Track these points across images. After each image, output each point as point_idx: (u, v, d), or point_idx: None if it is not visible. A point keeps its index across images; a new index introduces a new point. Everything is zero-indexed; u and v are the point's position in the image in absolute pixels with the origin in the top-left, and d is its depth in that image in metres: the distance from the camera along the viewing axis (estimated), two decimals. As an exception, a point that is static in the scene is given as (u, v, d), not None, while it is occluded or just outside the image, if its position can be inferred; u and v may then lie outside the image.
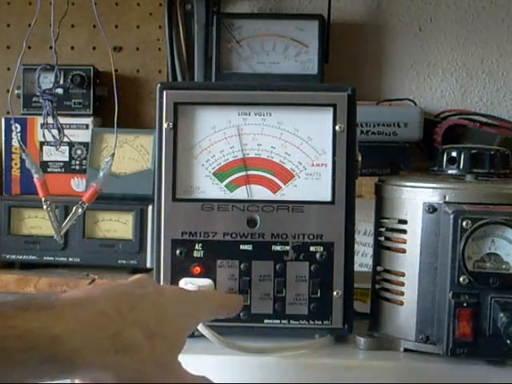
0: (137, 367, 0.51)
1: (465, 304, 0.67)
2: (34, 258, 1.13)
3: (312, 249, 0.74)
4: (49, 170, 1.30)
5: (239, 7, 1.43)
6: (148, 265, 1.10)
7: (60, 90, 1.28)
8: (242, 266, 0.74)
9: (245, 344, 0.71)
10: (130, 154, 1.26)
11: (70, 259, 1.13)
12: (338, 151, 0.74)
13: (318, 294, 0.74)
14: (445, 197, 0.70)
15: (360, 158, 0.75)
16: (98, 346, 0.49)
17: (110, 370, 0.50)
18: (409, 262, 0.72)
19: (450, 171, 0.76)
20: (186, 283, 0.72)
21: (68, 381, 0.51)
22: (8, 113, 1.29)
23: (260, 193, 0.75)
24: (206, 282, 0.73)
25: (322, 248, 0.74)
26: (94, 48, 1.42)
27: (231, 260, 0.74)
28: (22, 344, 0.44)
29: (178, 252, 0.75)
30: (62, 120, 1.07)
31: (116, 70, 1.28)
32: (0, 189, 1.31)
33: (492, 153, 0.75)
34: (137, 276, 0.64)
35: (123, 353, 0.50)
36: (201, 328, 0.70)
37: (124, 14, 1.42)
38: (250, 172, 0.75)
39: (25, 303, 0.48)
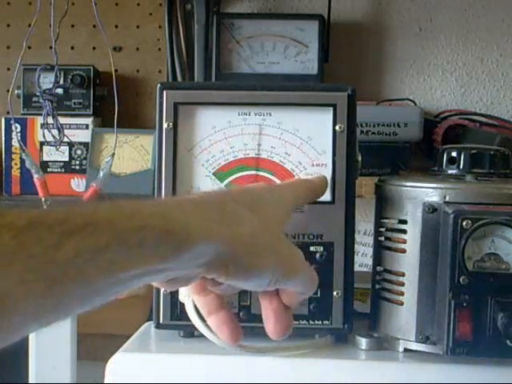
0: (248, 238, 0.52)
1: (465, 304, 0.67)
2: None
3: (312, 249, 0.74)
4: (49, 169, 1.30)
5: (239, 7, 1.43)
6: (148, 265, 1.10)
7: (60, 90, 1.28)
8: (242, 265, 0.74)
9: (245, 344, 0.71)
10: (130, 154, 1.26)
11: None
12: (338, 151, 0.74)
13: (318, 294, 0.74)
14: (445, 197, 0.70)
15: (360, 158, 0.75)
16: (209, 218, 0.50)
17: (226, 240, 0.50)
18: (409, 262, 0.72)
19: (450, 171, 0.76)
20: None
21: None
22: (8, 113, 1.29)
23: (260, 193, 0.75)
24: None
25: (321, 248, 0.74)
26: (93, 48, 1.42)
27: (231, 260, 0.74)
28: (135, 222, 0.43)
29: (178, 252, 0.74)
30: (62, 120, 1.07)
31: (116, 70, 1.28)
32: (0, 189, 1.31)
33: (492, 153, 0.75)
34: None
35: (234, 225, 0.51)
36: (201, 328, 0.70)
37: (124, 13, 1.42)
38: (249, 172, 0.75)
39: None
